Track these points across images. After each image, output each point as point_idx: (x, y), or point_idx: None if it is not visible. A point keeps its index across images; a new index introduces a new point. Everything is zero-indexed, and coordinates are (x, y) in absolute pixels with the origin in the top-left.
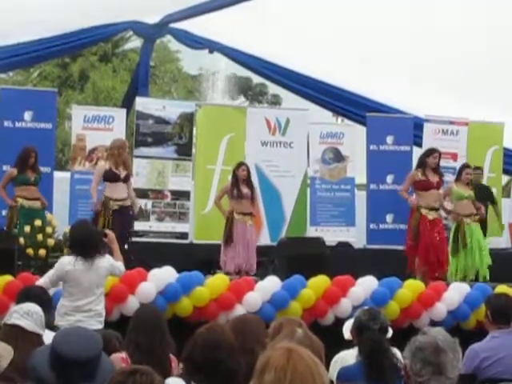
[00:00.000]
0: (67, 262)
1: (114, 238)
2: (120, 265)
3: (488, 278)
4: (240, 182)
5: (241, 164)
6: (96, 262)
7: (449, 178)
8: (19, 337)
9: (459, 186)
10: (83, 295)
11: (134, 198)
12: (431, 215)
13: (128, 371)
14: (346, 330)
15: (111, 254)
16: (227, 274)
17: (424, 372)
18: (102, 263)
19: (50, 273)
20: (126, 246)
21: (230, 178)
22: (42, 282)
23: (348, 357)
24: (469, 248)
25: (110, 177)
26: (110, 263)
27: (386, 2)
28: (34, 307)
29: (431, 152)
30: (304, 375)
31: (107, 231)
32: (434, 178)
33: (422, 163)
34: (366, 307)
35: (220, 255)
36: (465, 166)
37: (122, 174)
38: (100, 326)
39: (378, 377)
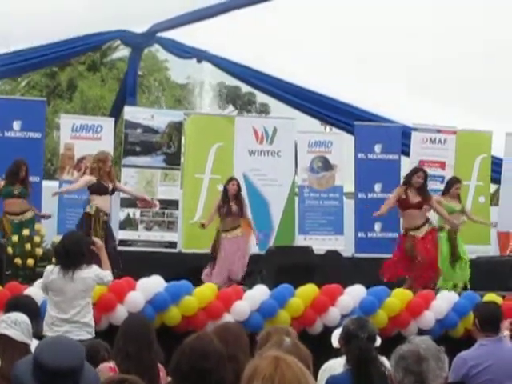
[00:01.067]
0: (50, 271)
1: (103, 246)
2: (108, 274)
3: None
4: (230, 197)
5: (231, 179)
6: (79, 273)
7: (435, 185)
8: (7, 346)
9: (447, 199)
10: (67, 305)
11: (138, 193)
12: (419, 233)
13: (116, 380)
14: (335, 339)
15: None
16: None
17: (406, 381)
18: (87, 273)
19: (40, 281)
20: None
21: (219, 187)
22: (36, 290)
23: (336, 365)
24: (463, 257)
25: (99, 189)
26: (96, 273)
27: (378, 4)
28: (21, 317)
29: (416, 171)
30: (291, 382)
31: (95, 239)
32: (414, 198)
33: (407, 181)
34: (354, 316)
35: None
36: (455, 181)
37: (109, 187)
38: (89, 337)
39: None
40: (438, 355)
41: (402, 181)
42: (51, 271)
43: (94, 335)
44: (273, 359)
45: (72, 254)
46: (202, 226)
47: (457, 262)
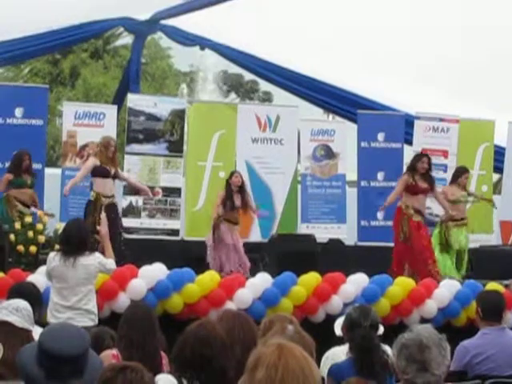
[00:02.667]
0: (52, 258)
1: (107, 234)
2: (111, 262)
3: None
4: (234, 190)
5: (234, 172)
6: (81, 259)
7: (438, 174)
8: (9, 333)
9: (454, 188)
10: (70, 292)
11: (139, 184)
12: (416, 217)
13: (118, 367)
14: (338, 327)
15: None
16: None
17: (409, 369)
18: (89, 260)
19: (43, 268)
20: (119, 243)
21: (221, 174)
22: (38, 277)
23: (339, 353)
24: (452, 251)
25: (100, 172)
26: (98, 261)
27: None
28: (22, 303)
29: (419, 157)
30: (295, 372)
31: (99, 228)
32: (422, 184)
33: (412, 168)
34: (357, 304)
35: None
36: (464, 171)
37: (112, 170)
38: (91, 324)
39: (369, 373)
40: (441, 343)
41: (405, 168)
42: (53, 258)
43: (96, 322)
44: (277, 347)
45: (73, 241)
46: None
47: (447, 253)
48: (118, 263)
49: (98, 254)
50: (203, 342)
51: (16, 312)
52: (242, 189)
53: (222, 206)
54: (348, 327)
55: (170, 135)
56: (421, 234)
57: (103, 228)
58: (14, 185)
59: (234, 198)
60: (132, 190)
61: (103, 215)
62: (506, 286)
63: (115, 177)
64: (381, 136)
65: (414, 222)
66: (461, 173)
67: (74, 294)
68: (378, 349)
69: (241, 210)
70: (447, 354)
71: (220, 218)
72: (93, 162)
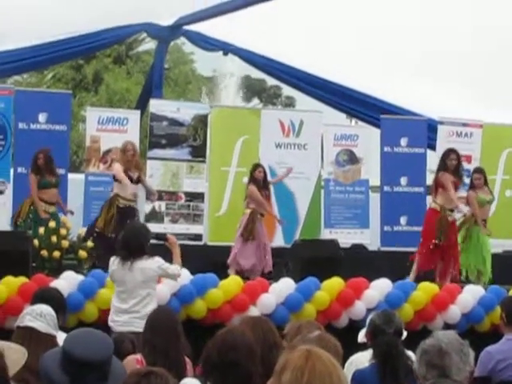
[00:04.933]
0: (112, 262)
1: (176, 242)
2: (175, 267)
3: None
4: (259, 184)
5: (257, 166)
6: (138, 263)
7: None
8: (33, 339)
9: (476, 191)
10: (128, 296)
11: (150, 187)
12: (451, 217)
13: (142, 373)
14: (361, 335)
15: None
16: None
17: (429, 375)
18: (147, 264)
19: (67, 273)
20: None
21: (244, 180)
22: (62, 282)
23: (362, 359)
24: (474, 251)
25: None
26: (157, 265)
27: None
28: (46, 308)
29: (447, 154)
30: (322, 376)
31: (168, 235)
32: (455, 180)
33: (444, 166)
34: (380, 310)
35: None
36: (473, 171)
37: (134, 176)
38: None
39: (393, 380)
40: (462, 349)
41: (437, 167)
42: (113, 262)
43: None
44: (304, 352)
45: (130, 245)
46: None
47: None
48: None
49: (157, 259)
50: (230, 347)
51: (40, 317)
52: (265, 183)
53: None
54: (372, 333)
55: (192, 140)
56: (453, 230)
57: (173, 237)
58: (40, 185)
59: (262, 191)
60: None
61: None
62: None
63: (138, 181)
64: (404, 141)
65: (449, 222)
66: (471, 174)
67: (132, 297)
68: (402, 355)
69: (267, 201)
70: (469, 359)
71: (254, 214)
72: (118, 167)
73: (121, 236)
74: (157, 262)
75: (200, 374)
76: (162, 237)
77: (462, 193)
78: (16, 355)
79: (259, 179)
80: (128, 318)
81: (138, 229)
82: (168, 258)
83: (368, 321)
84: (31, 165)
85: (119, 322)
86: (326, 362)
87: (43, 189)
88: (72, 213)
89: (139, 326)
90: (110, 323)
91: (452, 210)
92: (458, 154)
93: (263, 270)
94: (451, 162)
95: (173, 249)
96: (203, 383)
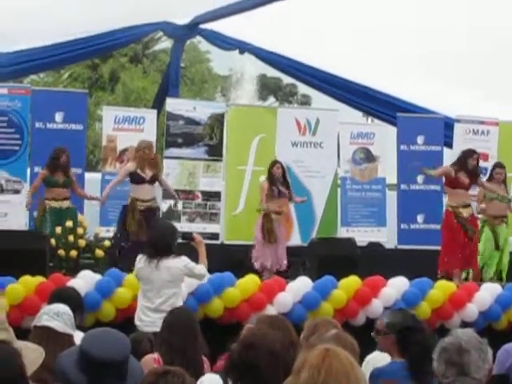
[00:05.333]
0: (138, 260)
1: (202, 241)
2: (201, 267)
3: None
4: (276, 181)
5: (275, 162)
6: (165, 262)
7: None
8: (50, 338)
9: (494, 186)
10: (155, 294)
11: (169, 187)
12: (466, 212)
13: (160, 372)
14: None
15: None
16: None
17: (449, 373)
18: (173, 263)
19: (84, 272)
20: None
21: (261, 178)
22: (79, 281)
23: (380, 357)
24: (491, 248)
25: (134, 179)
26: (183, 264)
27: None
28: (62, 308)
29: (471, 153)
30: (339, 375)
31: (195, 235)
32: (465, 179)
33: (462, 163)
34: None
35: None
36: (495, 166)
37: (148, 175)
38: None
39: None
40: (481, 347)
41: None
42: (139, 260)
43: None
44: (322, 350)
45: (158, 244)
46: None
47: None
48: None
49: (184, 258)
50: (251, 348)
51: (57, 317)
52: (284, 179)
53: (270, 193)
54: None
55: (209, 139)
56: (460, 231)
57: (199, 236)
58: (46, 183)
59: (279, 187)
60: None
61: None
62: None
63: (153, 180)
64: (420, 139)
65: (453, 218)
66: (493, 168)
67: (159, 296)
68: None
69: (285, 198)
70: (488, 357)
71: (269, 212)
72: (129, 166)
73: (148, 234)
74: (183, 261)
75: (220, 371)
76: (188, 236)
77: (474, 192)
78: (34, 355)
79: (276, 175)
80: (155, 318)
81: (165, 228)
82: (193, 257)
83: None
84: (48, 160)
85: (146, 322)
86: (344, 361)
87: (49, 187)
88: (97, 199)
89: None
90: (137, 322)
91: (465, 206)
92: (479, 156)
93: (279, 268)
94: (472, 163)
95: (199, 248)
96: (224, 379)
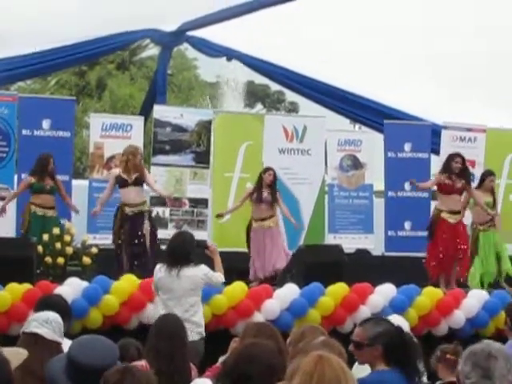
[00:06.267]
0: (158, 269)
1: (216, 250)
2: (218, 275)
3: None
4: (264, 186)
5: (268, 169)
6: (185, 271)
7: None
8: (38, 345)
9: (480, 192)
10: (176, 303)
11: (160, 190)
12: (453, 219)
13: (120, 370)
14: None
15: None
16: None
17: (473, 374)
18: (194, 272)
19: (71, 280)
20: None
21: (248, 185)
22: (66, 289)
23: (359, 369)
24: (484, 255)
25: (119, 183)
26: (203, 272)
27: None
28: (52, 315)
29: (453, 157)
30: (331, 381)
31: (209, 243)
32: (458, 184)
33: (446, 168)
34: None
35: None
36: (489, 174)
37: (131, 177)
38: (198, 338)
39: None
40: (509, 358)
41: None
42: (159, 269)
43: (203, 335)
44: (315, 357)
45: (177, 253)
46: (219, 216)
47: (476, 257)
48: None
49: (203, 266)
50: (245, 359)
51: (46, 324)
52: (273, 186)
53: (248, 198)
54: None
55: (196, 146)
56: (450, 239)
57: (213, 244)
58: (33, 189)
59: (263, 192)
60: (160, 200)
61: (146, 226)
62: None
63: (138, 183)
64: (408, 146)
65: (445, 224)
66: (486, 176)
67: (180, 304)
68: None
69: (268, 204)
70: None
71: (251, 222)
72: (114, 172)
73: (168, 243)
74: (202, 269)
75: (216, 375)
76: (202, 244)
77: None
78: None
79: (266, 182)
80: None
81: (184, 236)
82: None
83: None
84: (35, 167)
85: None
86: (336, 367)
87: (35, 193)
88: (77, 211)
89: (190, 335)
90: None
91: (454, 212)
92: (463, 158)
93: (274, 270)
94: (456, 165)
95: (214, 257)
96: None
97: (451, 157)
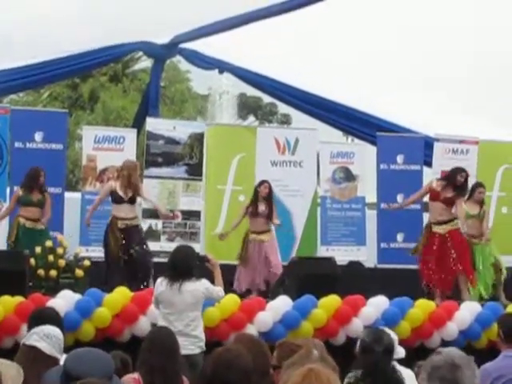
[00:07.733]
0: (159, 283)
1: (217, 263)
2: (219, 290)
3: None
4: (259, 199)
5: (263, 181)
6: (187, 285)
7: None
8: (36, 359)
9: (469, 204)
10: (177, 317)
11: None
12: (442, 229)
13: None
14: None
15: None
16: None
17: None
18: (195, 286)
19: (64, 292)
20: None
21: (240, 198)
22: (59, 302)
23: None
24: (480, 268)
25: (114, 198)
26: (205, 287)
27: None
28: (54, 330)
29: (460, 171)
30: None
31: (210, 257)
32: (448, 193)
33: (450, 177)
34: (371, 328)
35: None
36: (478, 186)
37: (128, 195)
38: (199, 351)
39: None
40: (470, 364)
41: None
42: (160, 283)
43: (204, 349)
44: (305, 370)
45: (179, 267)
46: (221, 236)
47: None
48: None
49: (204, 281)
50: (224, 366)
51: (46, 338)
52: (268, 198)
53: (245, 212)
54: (360, 352)
55: (189, 158)
56: (441, 249)
57: (213, 258)
58: (20, 202)
59: (259, 205)
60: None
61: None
62: None
63: (133, 201)
64: (400, 158)
65: (436, 236)
66: (474, 188)
67: (181, 319)
68: (392, 375)
69: (264, 217)
70: (476, 374)
71: (248, 234)
72: (109, 185)
73: (169, 257)
74: (204, 284)
75: None
76: (202, 258)
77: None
78: (12, 371)
79: (262, 194)
80: (181, 341)
81: (186, 251)
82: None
83: (359, 338)
84: (25, 180)
85: None
86: (324, 381)
87: (23, 206)
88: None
89: (191, 349)
90: None
91: (440, 222)
92: (468, 174)
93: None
94: (460, 179)
95: (214, 270)
96: None
97: (458, 170)
